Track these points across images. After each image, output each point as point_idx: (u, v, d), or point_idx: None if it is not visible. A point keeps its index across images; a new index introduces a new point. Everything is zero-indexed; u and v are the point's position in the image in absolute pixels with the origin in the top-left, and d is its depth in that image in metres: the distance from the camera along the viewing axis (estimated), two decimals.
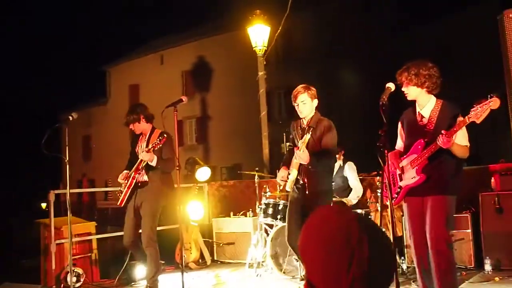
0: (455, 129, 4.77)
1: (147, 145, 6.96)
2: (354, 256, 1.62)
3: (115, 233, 9.06)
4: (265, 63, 13.27)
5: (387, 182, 4.89)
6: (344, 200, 8.50)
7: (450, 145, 4.80)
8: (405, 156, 5.28)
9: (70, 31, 76.72)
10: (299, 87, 6.52)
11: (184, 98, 5.87)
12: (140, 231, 7.09)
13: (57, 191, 8.00)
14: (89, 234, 8.54)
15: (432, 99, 5.18)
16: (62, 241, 7.97)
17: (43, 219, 8.39)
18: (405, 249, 7.87)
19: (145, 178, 7.01)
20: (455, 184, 5.07)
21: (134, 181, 6.98)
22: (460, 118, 4.84)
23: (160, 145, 6.62)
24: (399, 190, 5.29)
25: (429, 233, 4.96)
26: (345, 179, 8.68)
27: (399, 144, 5.56)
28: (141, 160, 6.90)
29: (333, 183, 8.70)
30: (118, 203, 7.15)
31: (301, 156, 5.99)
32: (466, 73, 23.02)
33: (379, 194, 7.82)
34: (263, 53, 13.11)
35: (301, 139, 6.18)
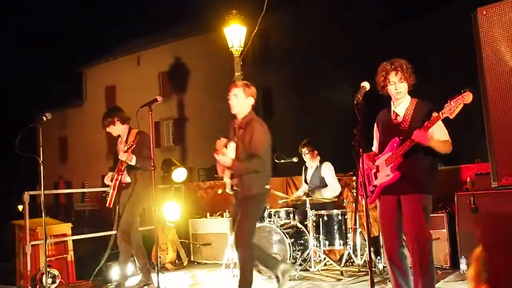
0: (428, 124, 4.79)
1: (126, 142, 7.06)
2: None
3: (91, 235, 9.03)
4: (241, 63, 13.25)
5: (362, 181, 4.89)
6: (316, 193, 8.54)
7: (427, 141, 4.81)
8: (380, 155, 5.25)
9: (45, 32, 76.10)
10: (238, 82, 6.31)
11: (159, 98, 5.86)
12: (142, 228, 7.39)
13: (31, 192, 7.94)
14: (65, 235, 8.49)
15: (407, 98, 5.16)
16: (37, 242, 7.91)
17: (18, 221, 8.33)
18: (382, 249, 7.92)
19: (128, 179, 7.12)
20: (431, 183, 5.06)
21: (117, 182, 7.07)
22: (435, 114, 4.83)
23: (134, 146, 6.68)
24: (373, 188, 5.26)
25: (409, 230, 4.97)
26: (322, 179, 8.72)
27: (375, 145, 5.54)
28: (122, 161, 6.98)
29: (310, 183, 8.77)
30: (107, 205, 7.30)
31: (221, 160, 5.96)
32: (442, 72, 23.19)
33: (355, 194, 7.89)
34: (239, 53, 13.10)
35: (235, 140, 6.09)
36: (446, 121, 4.88)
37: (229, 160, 5.88)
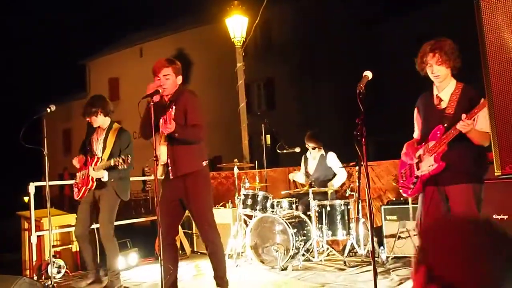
0: (475, 110, 4.42)
1: (104, 142, 7.03)
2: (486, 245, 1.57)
3: (95, 225, 9.07)
4: (243, 54, 13.27)
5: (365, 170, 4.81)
6: (329, 185, 8.57)
7: (469, 129, 4.48)
8: (423, 144, 4.96)
9: (49, 25, 76.04)
10: (162, 60, 5.75)
11: (161, 89, 5.80)
12: (97, 225, 7.11)
13: (36, 183, 8.00)
14: (70, 226, 8.56)
15: (452, 82, 4.84)
16: (42, 233, 7.98)
17: (23, 211, 8.40)
18: (384, 239, 7.95)
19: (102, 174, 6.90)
20: (480, 172, 4.77)
21: (90, 179, 6.92)
22: (482, 101, 4.38)
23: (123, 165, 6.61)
24: (415, 180, 4.95)
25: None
26: (329, 169, 8.74)
27: (416, 132, 5.23)
28: (97, 158, 6.94)
29: (314, 174, 8.80)
30: (77, 197, 7.11)
31: (168, 126, 5.25)
32: None
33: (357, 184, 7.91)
34: (241, 44, 13.12)
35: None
36: None
37: (173, 125, 5.28)
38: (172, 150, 5.61)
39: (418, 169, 4.94)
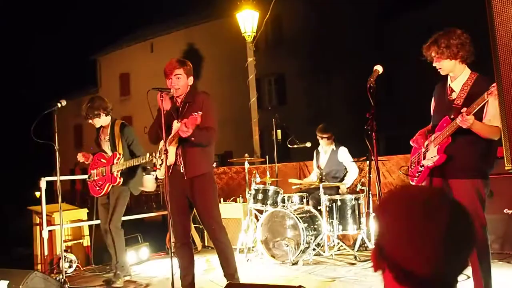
0: (474, 106, 4.32)
1: (112, 140, 7.16)
2: (432, 219, 1.57)
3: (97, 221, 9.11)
4: (254, 49, 13.27)
5: (374, 166, 4.71)
6: (340, 185, 8.56)
7: (468, 124, 4.35)
8: (431, 134, 4.88)
9: (59, 20, 76.26)
10: (173, 61, 5.73)
11: (173, 90, 5.74)
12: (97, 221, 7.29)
13: (48, 178, 8.04)
14: (81, 220, 8.59)
15: (466, 71, 4.70)
16: (54, 227, 8.01)
17: (34, 206, 8.43)
18: None
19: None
20: (485, 167, 4.66)
21: (117, 176, 7.00)
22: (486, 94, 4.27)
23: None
24: (420, 169, 4.91)
25: None
26: (340, 163, 8.73)
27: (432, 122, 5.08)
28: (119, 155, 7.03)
29: (325, 168, 8.79)
30: (99, 195, 7.17)
31: (189, 130, 5.18)
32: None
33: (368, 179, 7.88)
34: (252, 39, 13.11)
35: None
36: None
37: (192, 129, 5.22)
38: (184, 152, 5.63)
39: (424, 158, 4.90)
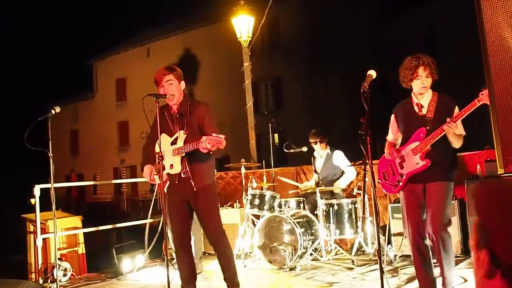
0: (463, 112, 4.97)
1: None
2: None
3: (102, 227, 9.05)
4: (250, 53, 13.24)
5: (372, 171, 4.83)
6: (335, 185, 8.54)
7: (454, 129, 5.00)
8: (405, 144, 5.38)
9: (55, 27, 76.38)
10: (162, 69, 5.79)
11: (169, 96, 5.71)
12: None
13: (42, 185, 7.97)
14: (76, 228, 8.53)
15: (429, 91, 5.34)
16: (48, 235, 7.95)
17: (28, 214, 8.37)
18: (392, 237, 7.90)
19: None
20: (454, 171, 5.26)
21: None
22: (456, 109, 5.14)
23: None
24: (400, 178, 5.38)
25: (435, 216, 5.04)
26: (336, 167, 8.71)
27: (390, 136, 5.70)
28: None
29: (321, 173, 8.76)
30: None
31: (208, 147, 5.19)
32: (449, 57, 23.06)
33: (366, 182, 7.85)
34: (248, 43, 13.09)
35: (177, 129, 5.69)
36: None
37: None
38: (190, 162, 5.64)
39: (402, 168, 5.37)
